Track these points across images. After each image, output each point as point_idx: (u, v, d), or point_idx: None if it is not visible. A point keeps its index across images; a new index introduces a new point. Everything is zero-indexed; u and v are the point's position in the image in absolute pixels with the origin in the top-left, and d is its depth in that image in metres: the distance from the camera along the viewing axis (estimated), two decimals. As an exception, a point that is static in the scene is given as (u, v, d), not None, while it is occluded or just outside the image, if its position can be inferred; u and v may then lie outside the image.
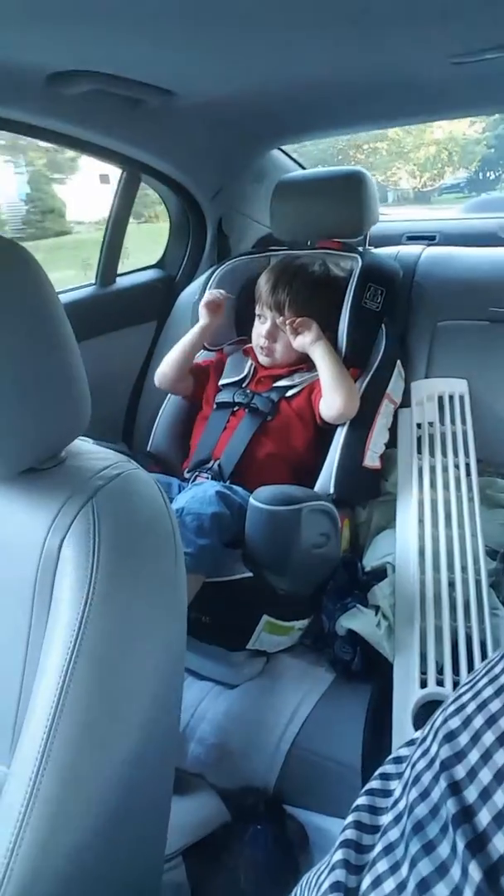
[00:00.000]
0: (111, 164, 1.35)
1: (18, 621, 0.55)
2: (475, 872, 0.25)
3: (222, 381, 1.36)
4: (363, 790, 0.39)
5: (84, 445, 0.63)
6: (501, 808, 0.26)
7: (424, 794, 0.30)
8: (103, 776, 0.53)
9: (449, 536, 1.11)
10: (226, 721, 0.99)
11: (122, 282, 1.55)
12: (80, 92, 1.00)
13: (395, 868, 0.30)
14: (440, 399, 1.32)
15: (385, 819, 0.33)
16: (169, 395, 1.45)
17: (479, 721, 0.30)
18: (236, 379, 1.35)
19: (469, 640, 0.97)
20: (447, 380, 1.34)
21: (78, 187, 3.93)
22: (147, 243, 1.91)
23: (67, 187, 4.03)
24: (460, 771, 0.29)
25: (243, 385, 1.34)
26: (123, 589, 0.54)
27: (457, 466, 1.23)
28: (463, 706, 0.32)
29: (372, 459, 1.23)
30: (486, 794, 0.27)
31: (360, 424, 1.23)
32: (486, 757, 0.28)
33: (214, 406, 1.34)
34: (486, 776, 0.28)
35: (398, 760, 0.38)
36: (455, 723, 0.31)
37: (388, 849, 0.31)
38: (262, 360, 1.33)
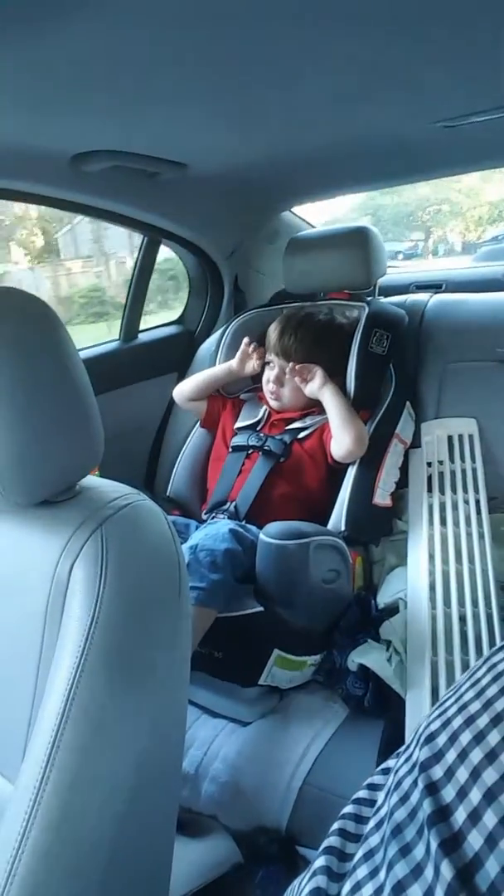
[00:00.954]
0: (132, 230, 1.47)
1: (31, 641, 0.58)
2: (447, 871, 0.26)
3: (238, 425, 1.42)
4: (351, 799, 0.40)
5: (97, 480, 0.68)
6: (476, 806, 0.27)
7: (404, 798, 0.31)
8: (103, 797, 0.54)
9: (460, 572, 1.12)
10: (239, 759, 0.99)
11: (143, 337, 1.65)
12: (100, 168, 1.12)
13: (374, 873, 0.30)
14: (450, 438, 1.35)
15: (368, 827, 0.34)
16: (188, 442, 1.52)
17: (457, 721, 0.31)
18: (251, 422, 1.41)
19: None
20: (457, 419, 1.37)
21: None
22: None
23: None
24: (438, 771, 0.30)
25: (258, 429, 1.40)
26: (127, 610, 0.56)
27: (467, 503, 1.24)
28: (445, 710, 0.33)
29: (382, 497, 1.25)
30: (462, 793, 0.28)
31: (370, 463, 1.26)
32: (463, 756, 0.29)
33: (230, 450, 1.39)
34: (462, 775, 0.28)
35: (386, 772, 0.38)
36: (435, 725, 0.32)
37: (368, 854, 0.32)
38: (272, 403, 1.39)
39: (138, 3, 0.62)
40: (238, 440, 1.39)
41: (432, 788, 0.29)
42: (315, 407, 1.36)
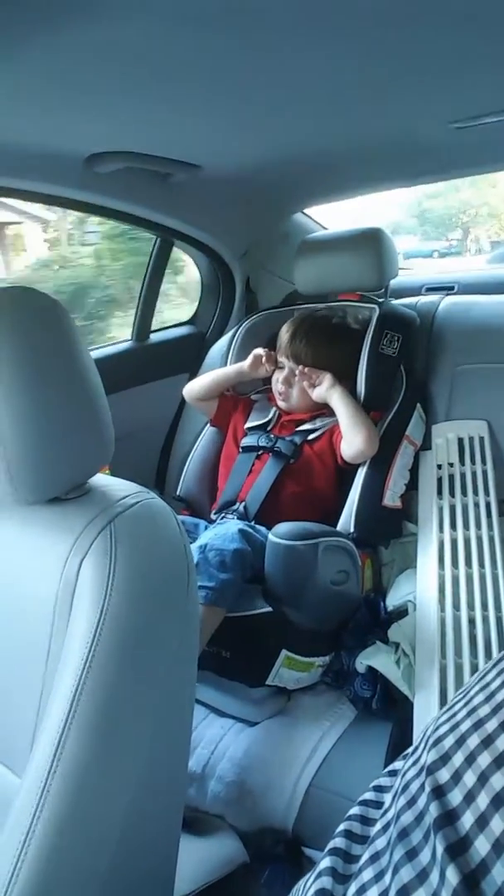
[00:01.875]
0: (145, 231, 1.48)
1: (40, 637, 0.59)
2: (452, 876, 0.25)
3: (248, 425, 1.42)
4: (358, 800, 0.40)
5: (107, 479, 0.68)
6: (484, 811, 0.26)
7: (411, 802, 0.30)
8: (109, 793, 0.54)
9: (469, 575, 1.11)
10: (245, 759, 0.99)
11: (155, 337, 1.66)
12: (114, 169, 1.13)
13: (379, 876, 0.30)
14: (460, 441, 1.34)
15: (374, 829, 0.34)
16: (198, 442, 1.52)
17: (466, 725, 0.30)
18: (261, 423, 1.41)
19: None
20: (467, 421, 1.37)
21: None
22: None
23: None
24: (444, 774, 0.29)
25: (268, 429, 1.40)
26: (136, 606, 0.57)
27: (477, 506, 1.24)
28: (454, 714, 0.32)
29: (392, 499, 1.25)
30: (469, 798, 0.27)
31: (380, 464, 1.26)
32: (471, 759, 0.28)
33: (240, 450, 1.40)
34: (470, 779, 0.28)
35: (393, 773, 0.38)
36: (444, 728, 0.32)
37: (374, 857, 0.31)
38: (280, 404, 1.39)
39: (153, 6, 0.62)
40: (248, 440, 1.39)
41: (439, 792, 0.29)
42: (324, 409, 1.36)
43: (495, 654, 0.99)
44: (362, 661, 1.03)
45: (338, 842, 0.35)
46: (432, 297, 1.58)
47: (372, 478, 1.25)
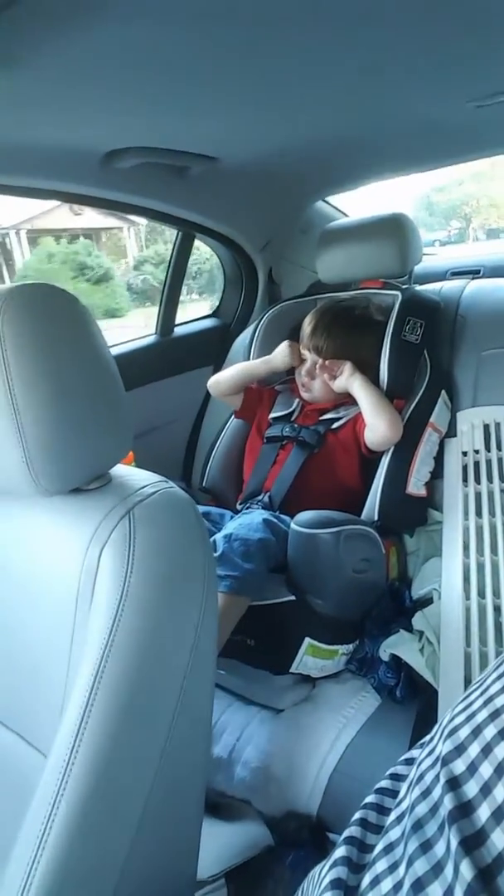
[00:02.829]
0: (166, 225, 1.49)
1: (64, 623, 0.60)
2: (467, 871, 0.25)
3: (272, 415, 1.43)
4: (374, 789, 0.39)
5: (127, 469, 0.70)
6: (501, 804, 0.26)
7: (426, 793, 0.30)
8: (131, 772, 0.56)
9: (495, 563, 1.09)
10: (270, 746, 1.00)
11: (179, 331, 1.67)
12: (132, 165, 1.14)
13: (393, 868, 0.30)
14: (486, 427, 1.32)
15: (389, 819, 0.33)
16: (223, 433, 1.53)
17: (482, 715, 0.30)
18: (285, 413, 1.41)
19: (516, 665, 0.94)
20: (493, 408, 1.34)
21: None
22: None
23: None
24: (460, 765, 0.29)
25: (292, 419, 1.40)
26: (154, 591, 0.58)
27: (503, 491, 1.21)
28: (470, 703, 0.32)
29: (416, 487, 1.24)
30: (486, 790, 0.26)
31: (404, 452, 1.25)
32: (487, 750, 0.28)
33: (265, 440, 1.40)
34: (486, 770, 0.27)
35: (409, 762, 0.38)
36: (459, 718, 0.31)
37: (388, 848, 0.31)
38: (303, 395, 1.39)
39: (166, 3, 0.63)
40: (272, 431, 1.40)
41: (454, 783, 0.28)
42: (348, 398, 1.35)
43: (521, 641, 0.97)
44: (386, 650, 1.03)
45: (353, 830, 0.35)
46: (457, 282, 1.55)
47: (396, 466, 1.24)
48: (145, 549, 0.58)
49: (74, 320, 0.62)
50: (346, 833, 0.35)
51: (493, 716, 0.29)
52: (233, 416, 1.53)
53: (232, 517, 1.29)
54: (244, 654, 1.08)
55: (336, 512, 1.12)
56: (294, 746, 1.00)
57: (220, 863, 0.89)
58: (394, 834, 0.31)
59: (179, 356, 1.65)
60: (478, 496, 1.22)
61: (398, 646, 1.03)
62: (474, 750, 0.28)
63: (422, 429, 1.28)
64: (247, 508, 1.32)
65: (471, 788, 0.27)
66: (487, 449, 1.29)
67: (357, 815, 0.36)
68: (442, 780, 0.29)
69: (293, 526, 1.08)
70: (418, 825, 0.29)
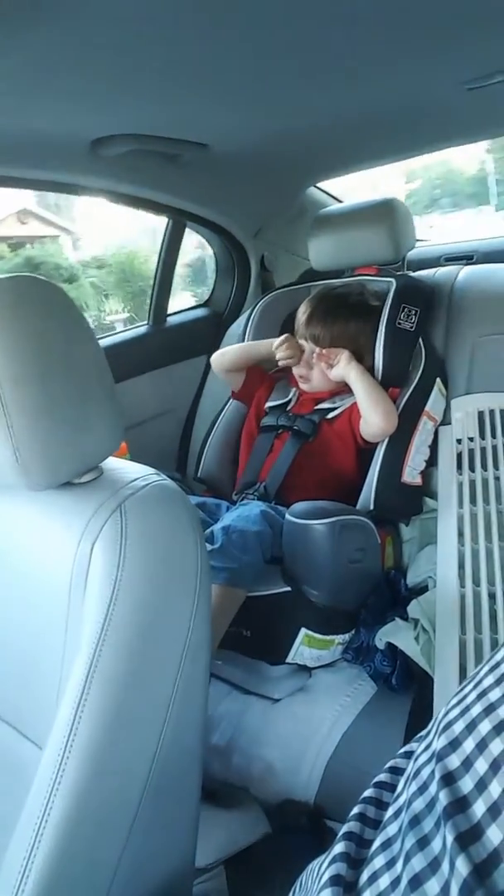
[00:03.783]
0: (156, 214, 1.47)
1: (57, 617, 0.61)
2: (462, 867, 0.24)
3: (269, 404, 1.42)
4: (372, 782, 0.39)
5: (119, 462, 0.69)
6: (497, 800, 0.25)
7: (423, 788, 0.30)
8: (125, 763, 0.56)
9: (490, 550, 1.10)
10: (267, 734, 1.01)
11: (172, 320, 1.66)
12: (120, 152, 1.12)
13: (391, 864, 0.29)
14: (480, 414, 1.32)
15: (387, 815, 0.33)
16: (218, 423, 1.52)
17: (476, 709, 0.29)
18: (281, 402, 1.41)
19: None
20: (487, 394, 1.34)
21: None
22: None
23: None
24: (455, 761, 0.29)
25: (287, 409, 1.39)
26: (146, 582, 0.58)
27: (497, 479, 1.21)
28: (464, 697, 0.31)
29: (411, 475, 1.24)
30: (481, 785, 0.26)
31: (399, 441, 1.25)
32: (482, 746, 0.28)
33: (260, 430, 1.40)
34: (482, 766, 0.27)
35: (408, 755, 0.37)
36: (454, 714, 0.31)
37: (386, 844, 0.31)
38: (302, 385, 1.38)
39: None
40: (268, 420, 1.39)
41: (449, 779, 0.28)
42: (345, 387, 1.35)
43: (516, 629, 0.98)
44: (382, 638, 1.04)
45: (351, 826, 0.35)
46: (451, 268, 1.54)
47: (391, 455, 1.24)
48: (137, 542, 0.58)
49: (61, 311, 0.61)
50: (344, 828, 0.35)
51: (488, 710, 0.29)
52: (227, 406, 1.52)
53: (228, 508, 1.29)
54: (241, 644, 1.09)
55: (331, 502, 1.12)
56: (291, 734, 1.00)
57: (218, 850, 0.90)
58: (391, 829, 0.31)
59: (172, 346, 1.65)
60: (472, 484, 1.22)
61: (394, 634, 1.03)
62: (469, 745, 0.28)
63: (417, 417, 1.28)
64: (242, 499, 1.32)
65: (466, 784, 0.27)
66: (482, 436, 1.29)
67: (355, 810, 0.36)
68: (437, 775, 0.29)
69: (288, 517, 1.08)
70: (415, 821, 0.29)
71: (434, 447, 1.31)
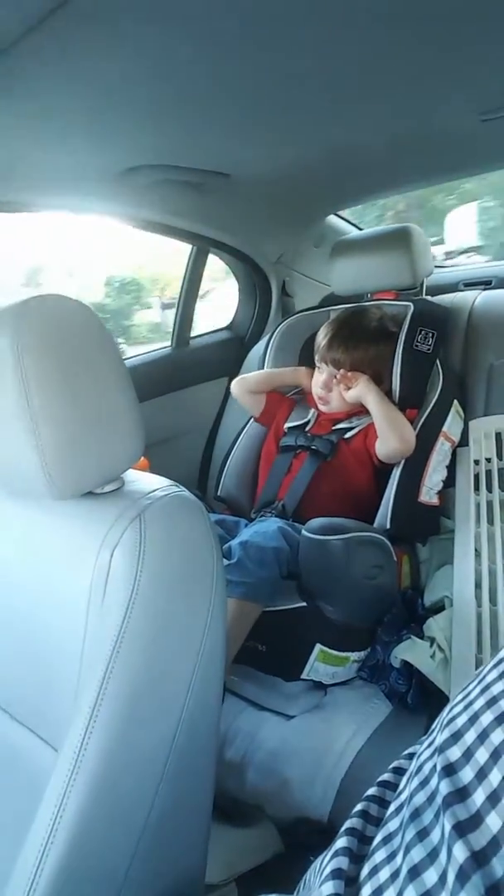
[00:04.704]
0: (180, 240, 1.53)
1: (77, 622, 0.62)
2: (460, 854, 0.25)
3: (288, 425, 1.45)
4: (376, 781, 0.40)
5: (139, 474, 0.72)
6: (497, 787, 0.26)
7: (424, 783, 0.30)
8: (138, 767, 0.57)
9: (507, 569, 1.09)
10: (282, 751, 1.01)
11: (195, 343, 1.70)
12: (148, 182, 1.18)
13: (391, 857, 0.30)
14: (498, 435, 1.32)
15: (388, 811, 0.34)
16: (238, 443, 1.55)
17: (479, 703, 0.30)
18: (300, 423, 1.43)
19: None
20: None
21: None
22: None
23: None
24: (456, 752, 0.29)
25: (306, 430, 1.42)
26: (163, 590, 0.60)
27: (515, 500, 1.22)
28: (468, 694, 0.32)
29: (428, 495, 1.25)
30: (482, 774, 0.27)
31: (416, 461, 1.26)
32: (483, 736, 0.28)
33: (279, 450, 1.42)
34: (482, 756, 0.27)
35: (412, 756, 0.37)
36: (458, 709, 0.31)
37: (387, 839, 0.31)
38: (320, 407, 1.41)
39: (182, 27, 0.65)
40: (287, 440, 1.42)
41: (449, 769, 0.28)
42: (362, 409, 1.37)
43: (533, 649, 0.97)
44: (397, 656, 1.03)
45: (354, 822, 0.36)
46: (469, 293, 1.56)
47: (407, 474, 1.25)
48: (155, 550, 0.60)
49: (87, 329, 0.64)
50: (346, 824, 0.35)
51: (490, 703, 0.29)
52: (247, 427, 1.55)
53: (246, 525, 1.31)
54: (256, 660, 1.09)
55: (347, 519, 1.13)
56: (306, 752, 1.00)
57: (230, 868, 0.90)
58: (392, 825, 0.31)
59: (195, 368, 1.69)
60: (489, 504, 1.23)
61: (409, 651, 1.03)
62: (471, 737, 0.29)
63: (434, 438, 1.29)
64: (261, 517, 1.34)
65: (466, 774, 0.27)
66: (499, 458, 1.29)
67: (358, 807, 0.36)
68: (438, 767, 0.29)
69: (304, 533, 1.09)
70: (416, 814, 0.29)
71: (452, 468, 1.32)
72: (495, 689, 0.30)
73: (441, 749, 0.30)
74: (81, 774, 0.54)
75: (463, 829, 0.26)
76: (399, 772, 0.38)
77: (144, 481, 0.69)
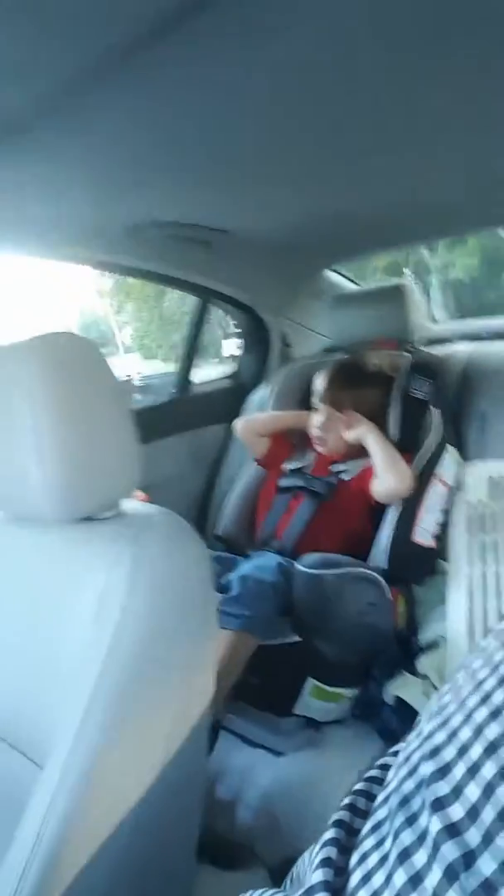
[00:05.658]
0: (184, 292, 1.62)
1: (66, 640, 0.64)
2: (434, 826, 0.26)
3: (289, 466, 1.49)
4: (363, 776, 0.39)
5: (137, 503, 0.76)
6: (476, 760, 0.27)
7: (412, 771, 0.31)
8: (121, 792, 0.58)
9: (500, 608, 1.11)
10: (273, 789, 1.00)
11: (196, 389, 1.77)
12: (149, 237, 1.26)
13: (380, 844, 0.31)
14: (491, 479, 1.36)
15: (376, 803, 0.34)
16: (237, 485, 1.59)
17: (468, 688, 0.31)
18: (300, 465, 1.47)
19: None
20: (499, 462, 1.38)
21: None
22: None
23: None
24: (441, 736, 0.30)
25: (306, 471, 1.45)
26: (155, 613, 0.62)
27: (507, 540, 1.24)
28: (455, 682, 0.33)
29: (423, 536, 1.27)
30: (463, 750, 0.28)
31: (409, 502, 1.28)
32: (468, 717, 0.29)
33: (278, 490, 1.45)
34: (465, 734, 0.28)
35: (397, 753, 0.38)
36: (447, 699, 0.33)
37: (376, 827, 0.32)
38: (319, 449, 1.45)
39: (187, 96, 0.72)
40: (286, 482, 1.45)
41: (434, 752, 0.29)
42: (358, 451, 1.41)
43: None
44: (391, 692, 1.04)
45: (341, 814, 0.35)
46: (463, 345, 1.63)
47: (401, 515, 1.27)
48: (148, 573, 0.63)
49: (93, 366, 0.69)
50: (334, 817, 0.35)
51: (484, 700, 0.30)
52: (247, 469, 1.58)
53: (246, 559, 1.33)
54: (248, 695, 1.09)
55: (341, 555, 1.15)
56: (298, 790, 0.99)
57: (216, 910, 0.87)
58: (381, 813, 0.32)
59: (196, 413, 1.74)
60: (482, 545, 1.25)
61: (402, 688, 1.03)
62: (457, 720, 0.30)
63: (427, 479, 1.32)
64: (259, 553, 1.36)
65: (449, 752, 0.28)
66: (494, 500, 1.32)
67: (346, 801, 0.36)
68: (425, 750, 0.30)
69: (298, 567, 1.11)
70: (405, 801, 0.30)
71: (447, 511, 1.35)
72: (480, 675, 0.31)
73: (429, 736, 0.31)
74: (65, 792, 0.54)
75: (441, 803, 0.27)
76: (384, 768, 0.38)
77: (141, 509, 0.72)
